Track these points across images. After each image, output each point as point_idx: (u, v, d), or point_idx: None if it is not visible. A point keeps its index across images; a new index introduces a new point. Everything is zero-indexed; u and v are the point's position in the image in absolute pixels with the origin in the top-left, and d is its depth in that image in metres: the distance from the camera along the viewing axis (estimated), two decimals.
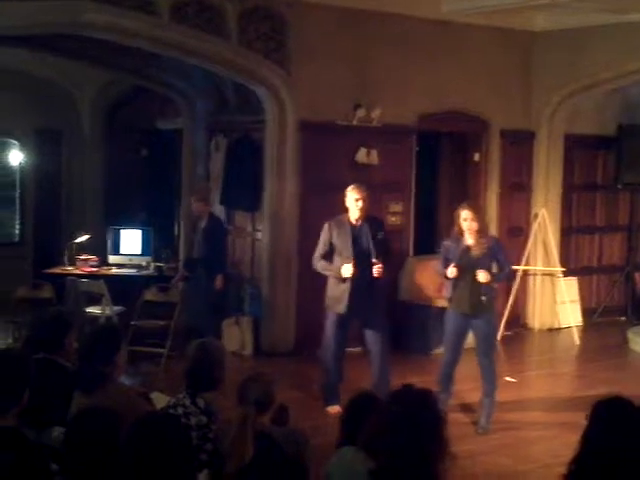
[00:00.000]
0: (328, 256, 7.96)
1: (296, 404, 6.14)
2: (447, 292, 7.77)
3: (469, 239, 7.58)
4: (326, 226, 7.97)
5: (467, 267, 7.54)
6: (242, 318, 10.34)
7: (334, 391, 7.92)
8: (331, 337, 8.02)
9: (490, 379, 7.72)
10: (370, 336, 7.98)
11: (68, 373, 4.97)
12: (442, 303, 10.10)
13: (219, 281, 9.68)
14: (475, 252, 7.53)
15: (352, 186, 7.91)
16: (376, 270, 7.72)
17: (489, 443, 7.31)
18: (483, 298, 7.50)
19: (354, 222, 7.85)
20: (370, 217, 7.98)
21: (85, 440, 3.64)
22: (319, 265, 8.01)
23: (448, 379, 7.78)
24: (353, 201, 7.80)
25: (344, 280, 7.79)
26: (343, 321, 7.95)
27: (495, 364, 7.80)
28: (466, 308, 7.57)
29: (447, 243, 7.79)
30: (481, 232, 7.58)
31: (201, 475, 4.26)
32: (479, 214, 7.67)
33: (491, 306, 7.69)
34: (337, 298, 7.90)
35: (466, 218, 7.54)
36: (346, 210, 7.91)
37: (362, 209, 7.79)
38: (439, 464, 3.50)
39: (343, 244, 7.83)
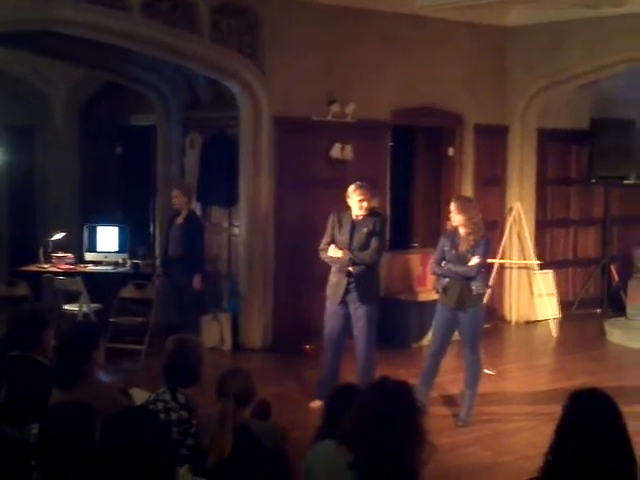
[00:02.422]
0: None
1: (275, 399, 6.14)
2: (438, 286, 7.78)
3: (461, 232, 7.55)
4: (331, 216, 8.03)
5: (454, 262, 7.56)
6: (220, 314, 10.33)
7: (323, 386, 7.88)
8: (327, 328, 8.07)
9: (473, 371, 7.72)
10: (356, 329, 7.98)
11: (45, 370, 4.95)
12: (423, 297, 10.21)
13: (197, 281, 9.61)
14: (462, 247, 7.53)
15: (354, 187, 7.87)
16: None
17: (469, 435, 7.33)
18: (473, 287, 7.50)
19: (355, 217, 7.89)
20: (372, 212, 8.00)
21: (58, 434, 3.61)
22: (323, 255, 8.04)
23: (432, 371, 7.78)
24: (357, 202, 7.82)
25: (348, 273, 7.84)
26: (339, 313, 7.96)
27: (481, 357, 7.82)
28: (453, 302, 7.56)
29: (442, 238, 7.80)
30: (467, 226, 7.49)
31: (182, 470, 4.24)
32: (464, 207, 7.55)
33: (479, 300, 7.67)
34: (334, 288, 7.96)
35: (451, 211, 7.56)
36: (349, 207, 7.93)
37: (367, 208, 7.86)
38: (416, 455, 3.50)
39: (342, 236, 7.90)
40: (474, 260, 7.46)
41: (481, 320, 7.85)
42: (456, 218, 7.51)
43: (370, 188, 7.99)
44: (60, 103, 12.96)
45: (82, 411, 3.72)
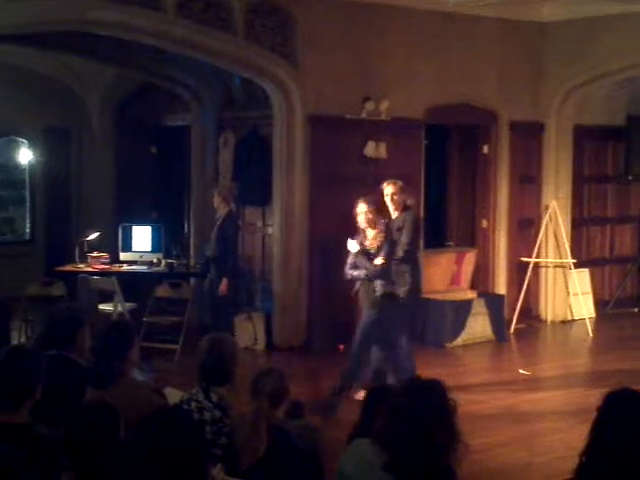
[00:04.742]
0: None
1: (309, 398, 6.14)
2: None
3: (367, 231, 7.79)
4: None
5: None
6: (254, 313, 10.33)
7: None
8: None
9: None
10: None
11: (81, 369, 4.97)
12: (457, 296, 10.17)
13: (223, 285, 9.56)
14: (372, 244, 7.75)
15: (385, 183, 8.18)
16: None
17: (504, 435, 7.29)
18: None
19: (392, 215, 8.14)
20: (404, 208, 8.18)
21: (82, 436, 3.62)
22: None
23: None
24: (387, 197, 8.13)
25: None
26: None
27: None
28: (366, 301, 7.81)
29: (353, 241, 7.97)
30: (374, 224, 7.77)
31: (215, 469, 4.24)
32: (371, 206, 7.84)
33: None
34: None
35: (360, 212, 7.77)
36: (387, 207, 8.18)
37: (396, 202, 8.08)
38: (450, 453, 3.47)
39: None
40: (378, 260, 7.67)
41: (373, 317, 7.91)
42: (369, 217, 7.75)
43: (400, 183, 8.17)
44: (95, 104, 13.07)
45: (105, 412, 3.72)
